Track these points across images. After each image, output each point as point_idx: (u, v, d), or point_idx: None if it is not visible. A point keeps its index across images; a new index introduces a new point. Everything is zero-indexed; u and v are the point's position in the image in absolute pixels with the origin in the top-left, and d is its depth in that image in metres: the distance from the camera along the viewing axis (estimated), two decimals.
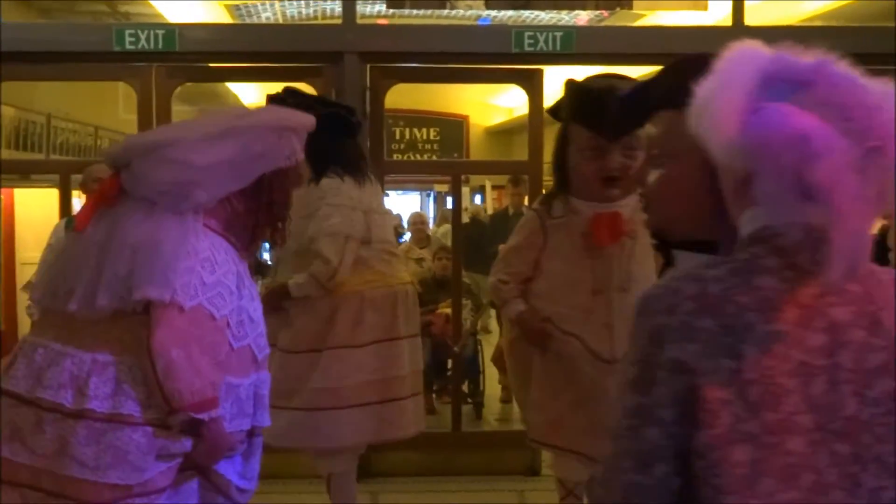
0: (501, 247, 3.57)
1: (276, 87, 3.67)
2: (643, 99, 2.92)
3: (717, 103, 1.24)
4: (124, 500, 2.03)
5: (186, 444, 2.09)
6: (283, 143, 2.26)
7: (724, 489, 1.16)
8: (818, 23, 6.54)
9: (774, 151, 1.19)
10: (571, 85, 3.14)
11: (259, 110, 2.67)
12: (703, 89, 1.27)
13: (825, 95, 1.22)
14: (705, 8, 5.00)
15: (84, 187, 4.56)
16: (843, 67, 1.26)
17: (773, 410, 1.17)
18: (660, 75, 2.07)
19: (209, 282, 2.11)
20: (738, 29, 4.94)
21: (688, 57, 2.00)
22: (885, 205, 1.23)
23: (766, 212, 1.25)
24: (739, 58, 1.27)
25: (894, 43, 4.78)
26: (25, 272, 5.66)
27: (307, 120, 2.39)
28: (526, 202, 6.02)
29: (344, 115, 3.52)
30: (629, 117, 2.88)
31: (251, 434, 2.31)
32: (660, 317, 1.22)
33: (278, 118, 2.38)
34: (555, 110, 3.31)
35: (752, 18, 5.06)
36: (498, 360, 4.87)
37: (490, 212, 10.68)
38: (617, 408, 1.28)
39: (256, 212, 2.29)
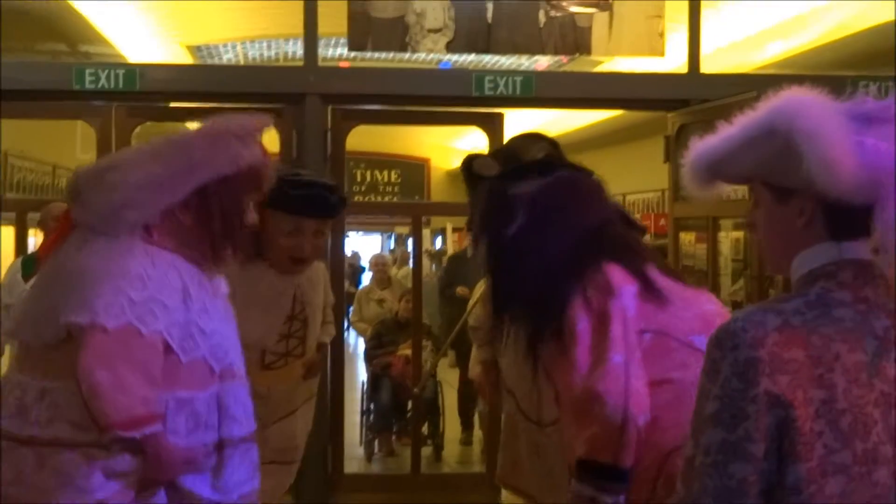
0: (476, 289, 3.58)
1: None
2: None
3: (825, 144, 1.23)
4: None
5: (128, 461, 2.06)
6: (221, 150, 2.19)
7: None
8: (772, 71, 6.68)
9: (889, 177, 1.21)
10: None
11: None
12: (804, 135, 1.25)
13: (887, 130, 1.26)
14: (662, 54, 5.07)
15: (42, 225, 4.50)
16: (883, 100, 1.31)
17: (862, 440, 1.16)
18: None
19: (137, 299, 2.08)
20: (694, 75, 5.04)
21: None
22: None
23: (819, 250, 1.27)
24: (814, 102, 1.30)
25: (846, 91, 4.89)
26: None
27: (252, 122, 2.30)
28: None
29: (323, 194, 3.28)
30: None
31: (221, 446, 2.24)
32: (746, 350, 1.19)
33: (214, 125, 2.30)
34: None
35: (707, 66, 5.16)
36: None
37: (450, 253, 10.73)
38: (686, 446, 1.24)
39: (208, 223, 2.24)
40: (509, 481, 3.35)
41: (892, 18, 5.62)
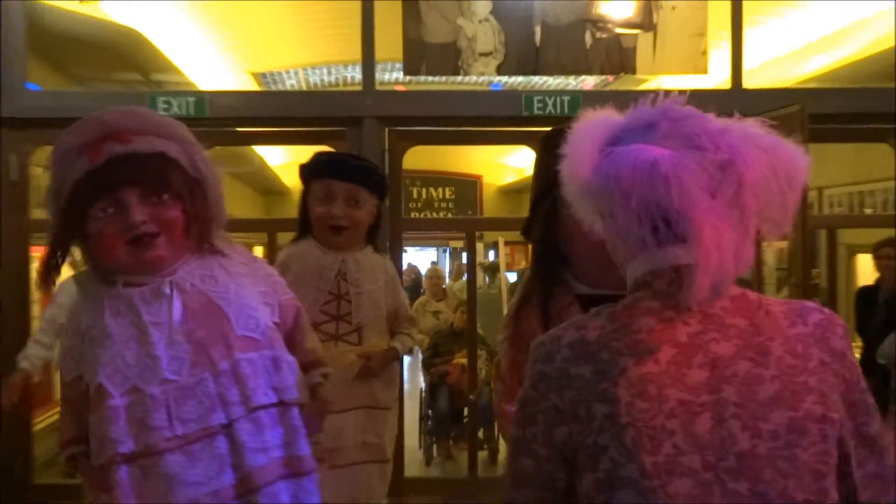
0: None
1: (301, 150, 3.73)
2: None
3: (571, 155, 1.25)
4: None
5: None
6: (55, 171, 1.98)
7: None
8: (814, 84, 6.60)
9: (623, 181, 1.17)
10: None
11: None
12: (563, 151, 1.29)
13: (670, 129, 1.21)
14: (705, 71, 5.04)
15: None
16: (688, 107, 1.25)
17: (651, 454, 1.12)
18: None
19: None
20: (737, 91, 4.99)
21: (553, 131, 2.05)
22: (752, 222, 1.20)
23: (643, 259, 1.23)
24: (587, 120, 1.29)
25: (893, 102, 4.82)
26: None
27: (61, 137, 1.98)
28: None
29: (346, 158, 3.50)
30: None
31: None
32: (540, 364, 1.23)
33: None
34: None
35: (750, 81, 5.12)
36: None
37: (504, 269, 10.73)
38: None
39: None
40: None
41: None
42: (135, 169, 1.87)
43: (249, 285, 2.04)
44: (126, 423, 1.85)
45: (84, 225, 1.91)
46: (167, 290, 1.94)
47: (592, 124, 1.27)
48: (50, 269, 2.02)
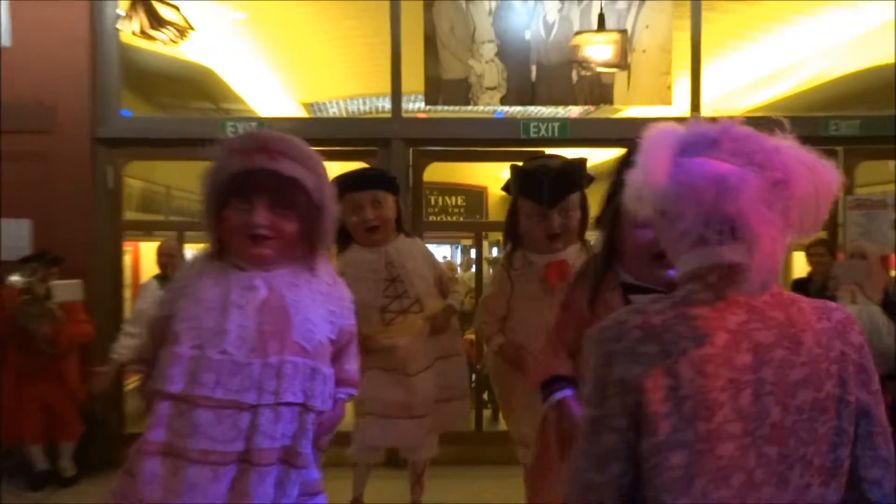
0: (481, 296, 3.50)
1: (341, 166, 3.79)
2: (570, 173, 3.03)
3: (648, 165, 1.18)
4: None
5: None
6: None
7: (663, 488, 1.10)
8: (761, 113, 6.61)
9: (698, 190, 1.13)
10: (514, 168, 3.08)
11: None
12: (635, 163, 1.21)
13: (731, 148, 1.17)
14: (670, 103, 5.07)
15: (157, 259, 4.57)
16: (746, 127, 1.20)
17: (705, 421, 1.10)
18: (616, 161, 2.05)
19: None
20: (696, 119, 5.02)
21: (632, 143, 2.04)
22: (793, 230, 1.16)
23: (698, 253, 1.18)
24: (657, 133, 1.22)
25: (824, 129, 4.86)
26: None
27: (232, 138, 2.03)
28: None
29: (363, 172, 3.52)
30: (560, 188, 2.93)
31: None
32: (609, 344, 1.17)
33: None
34: (506, 188, 3.22)
35: (707, 110, 5.15)
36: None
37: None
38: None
39: None
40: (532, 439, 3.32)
41: (856, 70, 5.55)
42: (272, 183, 1.91)
43: (321, 303, 2.02)
44: (182, 369, 1.85)
45: (222, 209, 1.94)
46: (257, 284, 1.94)
47: (663, 136, 1.21)
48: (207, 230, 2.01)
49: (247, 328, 1.88)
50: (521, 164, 3.08)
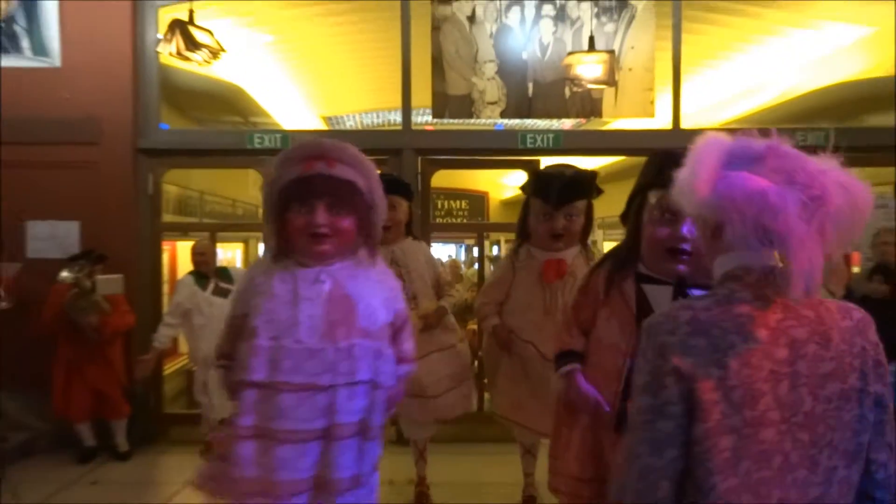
0: (485, 282, 3.51)
1: None
2: (580, 181, 3.03)
3: (695, 172, 1.17)
4: None
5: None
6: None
7: (713, 469, 1.10)
8: (736, 125, 6.54)
9: (740, 204, 1.12)
10: (533, 170, 3.10)
11: None
12: (685, 166, 1.20)
13: (775, 165, 1.16)
14: (653, 115, 5.04)
15: (192, 257, 4.53)
16: (790, 147, 1.20)
17: (751, 408, 1.11)
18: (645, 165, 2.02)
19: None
20: (676, 131, 4.99)
21: (657, 152, 1.98)
22: (829, 244, 1.13)
23: (736, 255, 1.18)
24: (709, 143, 1.21)
25: (795, 142, 4.78)
26: None
27: (289, 148, 2.01)
28: None
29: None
30: (568, 193, 2.93)
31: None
32: (663, 336, 1.16)
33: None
34: (523, 188, 3.26)
35: (686, 123, 5.10)
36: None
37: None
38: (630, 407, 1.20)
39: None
40: (510, 416, 3.24)
41: (822, 86, 5.50)
42: (330, 187, 1.91)
43: (378, 290, 2.02)
44: (263, 359, 1.86)
45: (283, 213, 1.93)
46: (322, 278, 1.94)
47: (712, 146, 1.20)
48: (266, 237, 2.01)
49: (316, 318, 1.88)
50: (541, 167, 3.11)
